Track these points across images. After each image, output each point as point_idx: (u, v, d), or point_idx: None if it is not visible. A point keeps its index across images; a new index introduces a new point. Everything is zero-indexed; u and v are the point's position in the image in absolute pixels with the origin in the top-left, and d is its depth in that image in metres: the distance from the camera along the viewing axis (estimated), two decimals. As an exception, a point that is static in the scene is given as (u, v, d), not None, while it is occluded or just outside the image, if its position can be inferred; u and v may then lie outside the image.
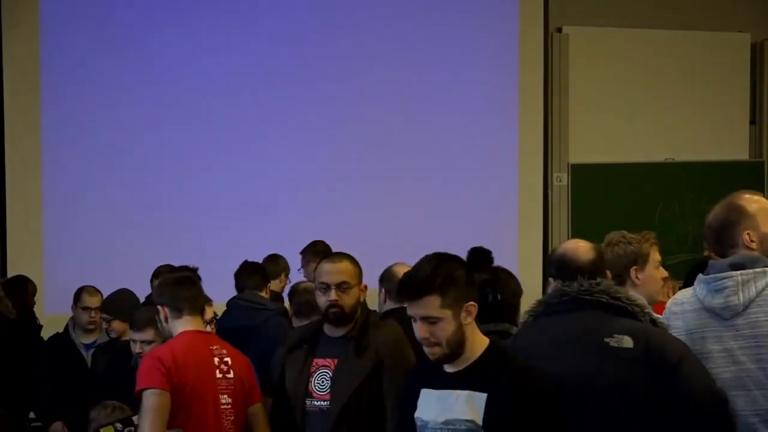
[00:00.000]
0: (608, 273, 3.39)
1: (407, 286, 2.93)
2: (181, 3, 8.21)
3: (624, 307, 3.16)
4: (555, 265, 3.37)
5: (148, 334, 4.62)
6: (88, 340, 6.11)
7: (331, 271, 3.83)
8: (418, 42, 8.79)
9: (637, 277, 3.86)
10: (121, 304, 5.57)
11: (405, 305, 2.98)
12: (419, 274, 2.91)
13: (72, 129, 7.84)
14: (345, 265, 3.86)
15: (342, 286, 3.79)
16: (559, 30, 9.52)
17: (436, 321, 2.87)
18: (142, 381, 3.83)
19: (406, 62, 8.75)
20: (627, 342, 3.06)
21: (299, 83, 8.46)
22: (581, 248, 3.36)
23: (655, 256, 3.97)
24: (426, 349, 2.93)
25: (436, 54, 8.85)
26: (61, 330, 6.31)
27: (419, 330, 2.90)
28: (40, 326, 6.64)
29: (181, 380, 3.83)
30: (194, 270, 6.19)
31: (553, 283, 3.35)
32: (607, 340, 3.07)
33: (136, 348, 4.67)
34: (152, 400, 3.76)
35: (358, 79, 8.64)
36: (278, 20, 8.42)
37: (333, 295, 3.78)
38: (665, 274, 4.08)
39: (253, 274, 6.02)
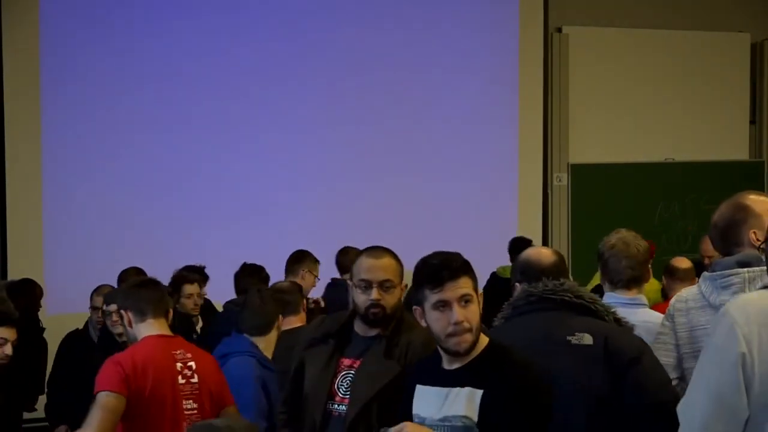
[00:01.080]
0: (570, 276, 3.53)
1: (445, 268, 2.86)
2: (181, 3, 8.20)
3: (587, 306, 3.27)
4: (519, 270, 3.49)
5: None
6: None
7: (372, 267, 3.39)
8: (419, 42, 8.79)
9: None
10: None
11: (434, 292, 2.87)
12: (451, 258, 2.90)
13: (72, 129, 7.83)
14: (388, 261, 3.43)
15: (385, 285, 3.38)
16: (559, 30, 9.52)
17: (471, 299, 2.87)
18: (100, 384, 3.75)
19: (406, 62, 8.75)
20: (587, 339, 3.17)
21: (300, 83, 8.45)
22: (543, 253, 3.52)
23: None
24: (455, 339, 2.87)
25: (436, 54, 8.85)
26: (62, 330, 6.28)
27: (457, 314, 2.84)
28: (43, 329, 6.63)
29: (140, 386, 3.76)
30: (201, 268, 6.16)
31: (518, 288, 3.44)
32: (569, 338, 3.17)
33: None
34: (105, 400, 3.68)
35: (359, 79, 8.64)
36: (279, 19, 8.42)
37: (375, 294, 3.37)
38: None
39: (248, 277, 6.00)
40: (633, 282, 3.77)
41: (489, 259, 7.59)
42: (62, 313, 6.52)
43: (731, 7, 10.06)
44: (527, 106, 9.18)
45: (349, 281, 3.55)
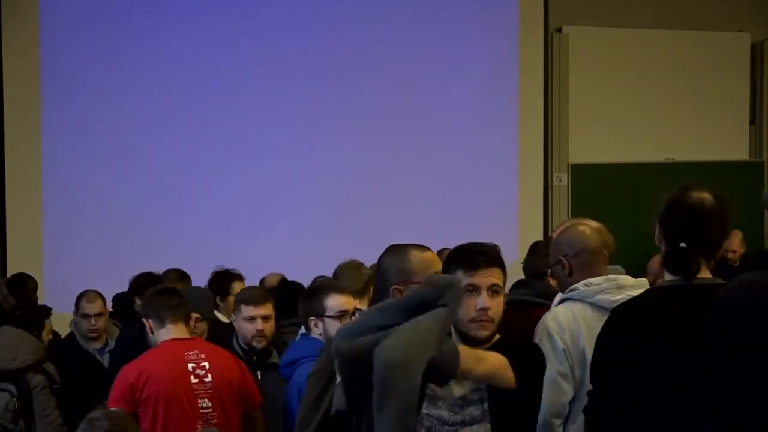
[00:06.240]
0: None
1: (483, 254, 2.96)
2: (183, 6, 8.20)
3: None
4: None
5: (268, 309, 4.45)
6: (98, 344, 5.91)
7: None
8: (419, 42, 8.79)
9: None
10: (199, 297, 4.98)
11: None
12: (491, 247, 3.00)
13: (72, 130, 7.84)
14: None
15: None
16: (559, 30, 9.52)
17: (499, 291, 2.95)
18: (109, 400, 3.99)
19: (406, 62, 8.75)
20: None
21: (302, 86, 8.46)
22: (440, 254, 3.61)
23: None
24: (476, 325, 2.92)
25: (436, 54, 8.85)
26: (61, 329, 6.27)
27: (485, 300, 2.91)
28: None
29: (149, 392, 3.94)
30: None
31: None
32: None
33: (256, 326, 4.40)
34: None
35: (360, 79, 8.64)
36: (281, 26, 8.42)
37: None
38: None
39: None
40: None
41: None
42: (62, 313, 6.51)
43: (731, 7, 10.05)
44: (527, 106, 9.17)
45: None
